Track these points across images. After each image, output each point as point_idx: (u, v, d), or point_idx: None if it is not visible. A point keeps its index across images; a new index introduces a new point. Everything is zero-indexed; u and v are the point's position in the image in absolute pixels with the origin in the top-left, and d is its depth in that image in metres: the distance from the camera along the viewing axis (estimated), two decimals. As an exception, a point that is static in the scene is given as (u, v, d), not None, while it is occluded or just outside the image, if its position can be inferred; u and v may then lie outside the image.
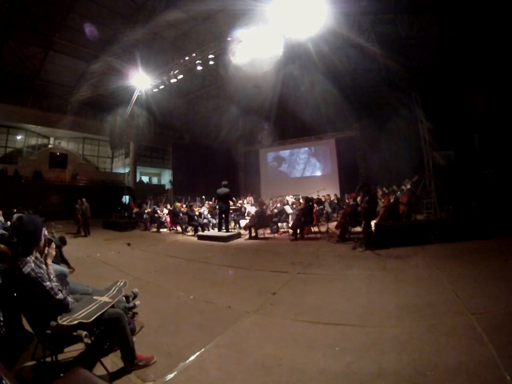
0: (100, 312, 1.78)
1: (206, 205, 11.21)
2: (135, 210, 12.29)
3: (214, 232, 8.44)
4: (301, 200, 9.63)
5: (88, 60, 14.38)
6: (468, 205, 7.16)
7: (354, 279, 3.77)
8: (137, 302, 2.64)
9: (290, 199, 11.26)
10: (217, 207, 8.29)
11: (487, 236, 5.21)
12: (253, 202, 12.12)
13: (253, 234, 7.66)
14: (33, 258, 1.78)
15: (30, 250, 1.78)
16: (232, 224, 9.85)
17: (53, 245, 2.20)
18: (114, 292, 2.15)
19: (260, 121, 17.48)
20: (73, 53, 13.94)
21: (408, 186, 7.62)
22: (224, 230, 7.93)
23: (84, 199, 9.96)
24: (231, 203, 10.66)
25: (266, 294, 3.29)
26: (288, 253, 5.70)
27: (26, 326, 2.04)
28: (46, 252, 2.09)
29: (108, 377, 1.81)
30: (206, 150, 18.63)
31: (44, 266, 1.87)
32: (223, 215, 8.09)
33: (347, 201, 10.17)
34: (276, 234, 8.25)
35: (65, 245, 4.87)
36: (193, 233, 8.88)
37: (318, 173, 17.71)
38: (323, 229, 7.71)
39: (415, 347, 1.98)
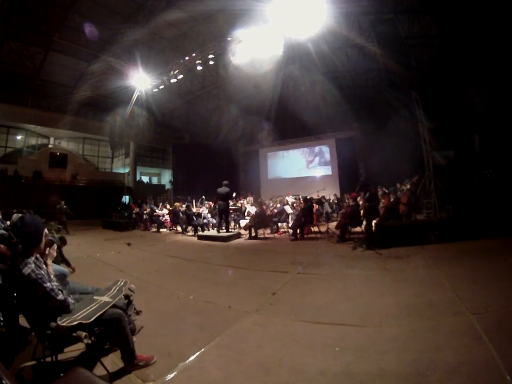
0: (100, 313, 1.78)
1: (206, 205, 11.21)
2: (135, 210, 12.29)
3: (214, 232, 8.42)
4: (301, 200, 9.63)
5: (88, 60, 14.38)
6: (470, 198, 7.15)
7: (355, 279, 3.78)
8: (132, 288, 2.57)
9: (290, 199, 11.26)
10: (216, 206, 8.12)
11: (487, 236, 5.21)
12: (252, 202, 12.11)
13: (253, 234, 7.66)
14: (33, 259, 1.77)
15: (30, 251, 1.77)
16: (232, 224, 9.85)
17: (54, 246, 2.20)
18: (115, 291, 2.14)
19: (260, 121, 17.48)
20: (73, 53, 13.94)
21: (408, 187, 7.61)
22: (224, 230, 7.91)
23: (63, 201, 10.89)
24: (231, 202, 10.65)
25: (266, 294, 3.28)
26: (288, 253, 5.70)
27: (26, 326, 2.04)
28: (47, 252, 2.09)
29: (108, 377, 1.81)
30: (206, 150, 18.63)
31: (44, 266, 1.87)
32: (223, 215, 7.97)
33: (347, 201, 10.18)
34: (276, 234, 8.25)
35: (65, 244, 4.86)
36: (193, 233, 8.87)
37: (318, 173, 17.71)
38: (323, 229, 7.71)
39: (415, 347, 1.98)
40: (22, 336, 2.27)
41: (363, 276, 3.86)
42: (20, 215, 2.34)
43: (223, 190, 7.87)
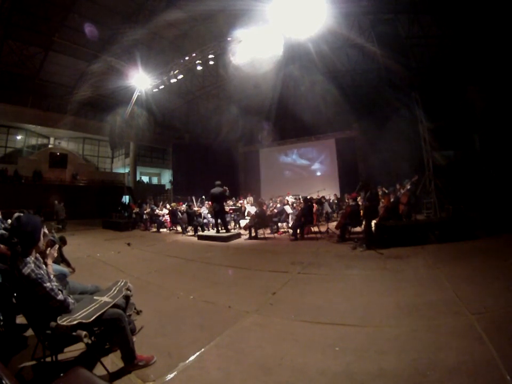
0: (100, 312, 1.78)
1: (206, 205, 11.21)
2: (135, 210, 12.29)
3: (214, 232, 8.39)
4: (301, 200, 9.62)
5: (88, 60, 14.38)
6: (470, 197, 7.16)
7: (354, 279, 3.78)
8: (130, 288, 2.57)
9: (290, 199, 11.25)
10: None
11: (487, 236, 5.21)
12: (252, 202, 12.11)
13: (253, 234, 7.65)
14: (33, 258, 1.78)
15: (29, 250, 1.78)
16: (232, 224, 9.83)
17: (56, 247, 2.21)
18: (115, 292, 2.15)
19: (260, 121, 17.48)
20: (73, 53, 13.95)
21: (408, 187, 7.61)
22: (224, 231, 7.87)
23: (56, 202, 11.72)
24: (230, 202, 10.59)
25: (266, 294, 3.28)
26: (288, 253, 5.70)
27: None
28: (48, 252, 2.10)
29: (108, 377, 1.81)
30: (206, 150, 18.63)
31: (43, 266, 1.87)
32: (219, 216, 7.87)
33: (347, 201, 10.18)
34: (276, 234, 8.25)
35: (66, 244, 4.86)
36: (193, 233, 8.87)
37: (318, 173, 17.71)
38: (323, 229, 7.70)
39: (415, 347, 1.98)
40: (20, 335, 2.27)
41: (363, 276, 3.86)
42: (19, 214, 2.34)
43: (216, 190, 7.73)
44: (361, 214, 6.42)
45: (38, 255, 1.88)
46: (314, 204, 8.20)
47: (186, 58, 12.46)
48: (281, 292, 3.35)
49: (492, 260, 3.92)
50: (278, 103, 15.57)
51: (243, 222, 9.42)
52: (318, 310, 2.77)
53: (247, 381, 1.77)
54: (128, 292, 2.41)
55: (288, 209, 8.88)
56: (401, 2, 9.84)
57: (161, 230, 10.57)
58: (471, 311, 2.42)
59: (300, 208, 8.15)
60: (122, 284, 2.33)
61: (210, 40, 12.00)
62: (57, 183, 17.04)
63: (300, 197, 12.09)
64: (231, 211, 9.86)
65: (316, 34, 9.97)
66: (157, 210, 11.24)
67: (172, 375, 1.85)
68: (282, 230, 8.74)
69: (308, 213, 7.28)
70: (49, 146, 19.33)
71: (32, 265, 1.72)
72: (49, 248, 2.15)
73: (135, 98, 14.53)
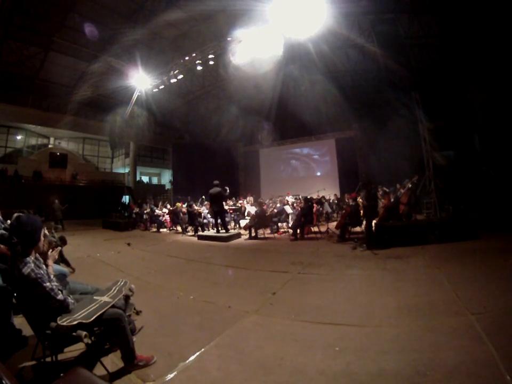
0: (100, 312, 1.78)
1: (206, 205, 11.20)
2: (135, 210, 12.28)
3: (214, 232, 8.39)
4: (301, 200, 9.61)
5: (88, 60, 14.38)
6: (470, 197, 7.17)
7: (354, 279, 3.78)
8: (132, 289, 2.56)
9: (290, 199, 11.25)
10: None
11: (487, 236, 5.21)
12: (252, 202, 12.10)
13: (253, 234, 7.65)
14: (33, 258, 1.78)
15: (29, 250, 1.78)
16: (232, 224, 9.83)
17: (58, 249, 2.21)
18: (115, 291, 2.14)
19: (260, 121, 17.47)
20: (73, 53, 13.95)
21: (410, 185, 7.62)
22: (223, 231, 7.86)
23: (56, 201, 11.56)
24: (230, 202, 10.58)
25: (266, 294, 3.28)
26: (288, 253, 5.69)
27: (26, 327, 2.04)
28: (49, 253, 2.10)
29: (108, 377, 1.81)
30: (206, 150, 18.62)
31: (43, 266, 1.87)
32: (218, 216, 7.85)
33: (347, 201, 10.17)
34: (276, 234, 8.24)
35: (66, 244, 4.86)
36: (193, 233, 8.87)
37: (318, 173, 17.71)
38: (323, 229, 7.70)
39: (415, 347, 1.98)
40: (16, 336, 2.27)
41: (363, 276, 3.86)
42: (19, 214, 2.34)
43: (214, 190, 7.69)
44: (361, 213, 6.43)
45: (38, 255, 1.88)
46: (314, 204, 8.20)
47: (186, 58, 12.46)
48: (281, 292, 3.35)
49: (492, 260, 3.92)
50: (278, 103, 15.56)
51: (243, 222, 9.41)
52: (318, 310, 2.77)
53: (247, 380, 1.77)
54: (131, 292, 2.42)
55: (288, 209, 8.87)
56: (401, 2, 9.85)
57: (161, 230, 10.57)
58: (471, 311, 2.42)
59: (299, 208, 8.15)
60: (122, 283, 2.32)
61: (210, 40, 12.00)
62: (57, 183, 17.05)
63: (300, 197, 12.09)
64: (231, 211, 9.85)
65: (316, 34, 9.97)
66: (157, 211, 11.24)
67: (171, 375, 1.85)
68: (282, 230, 8.74)
69: (308, 213, 7.27)
70: (49, 146, 19.35)
71: (32, 265, 1.72)
72: (50, 250, 2.16)
73: (135, 98, 14.54)
